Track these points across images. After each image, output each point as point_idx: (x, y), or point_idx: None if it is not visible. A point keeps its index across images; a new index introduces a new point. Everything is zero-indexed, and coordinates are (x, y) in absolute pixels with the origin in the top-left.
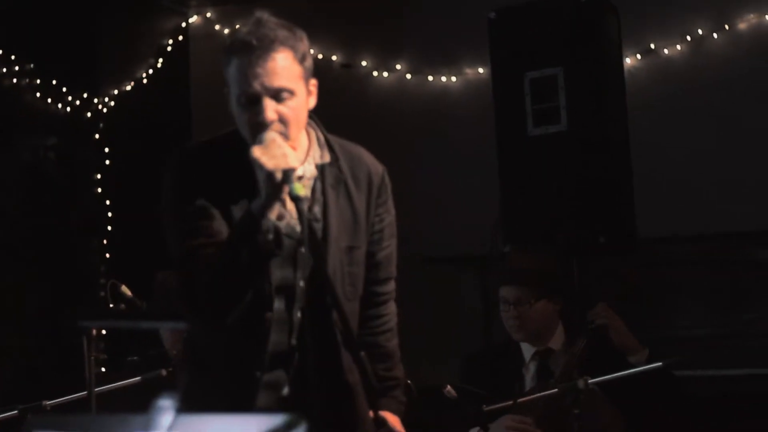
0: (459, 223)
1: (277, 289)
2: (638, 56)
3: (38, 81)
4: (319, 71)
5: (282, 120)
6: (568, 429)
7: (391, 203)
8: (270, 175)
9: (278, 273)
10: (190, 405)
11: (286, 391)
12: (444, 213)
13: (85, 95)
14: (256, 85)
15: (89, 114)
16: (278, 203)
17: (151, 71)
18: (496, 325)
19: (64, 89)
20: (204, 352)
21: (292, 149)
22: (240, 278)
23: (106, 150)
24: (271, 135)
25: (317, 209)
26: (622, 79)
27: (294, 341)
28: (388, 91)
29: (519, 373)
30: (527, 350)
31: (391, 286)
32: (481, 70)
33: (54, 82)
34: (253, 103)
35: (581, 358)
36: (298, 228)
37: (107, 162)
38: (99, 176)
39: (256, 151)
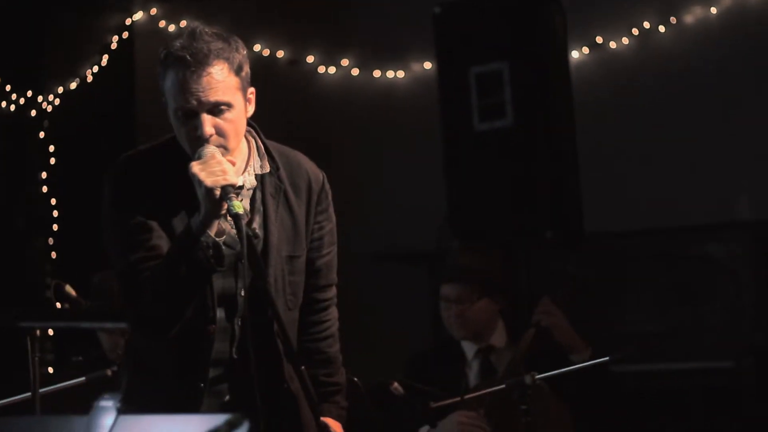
0: (407, 219)
1: (219, 298)
2: (585, 50)
3: None
4: (266, 67)
5: (220, 133)
6: (515, 424)
7: (331, 210)
8: (209, 191)
9: (220, 283)
10: (132, 407)
11: (228, 398)
12: (392, 210)
13: (29, 93)
14: (193, 101)
15: (34, 112)
16: (218, 219)
17: (96, 69)
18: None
19: (8, 88)
20: (147, 359)
21: (231, 164)
22: (181, 293)
23: (51, 149)
24: (210, 150)
25: (257, 219)
26: (568, 73)
27: (235, 350)
28: (334, 87)
29: (462, 371)
30: (469, 348)
31: (332, 292)
32: (427, 65)
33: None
34: (191, 118)
35: (526, 354)
36: (237, 239)
37: (52, 161)
38: (44, 175)
39: (195, 167)
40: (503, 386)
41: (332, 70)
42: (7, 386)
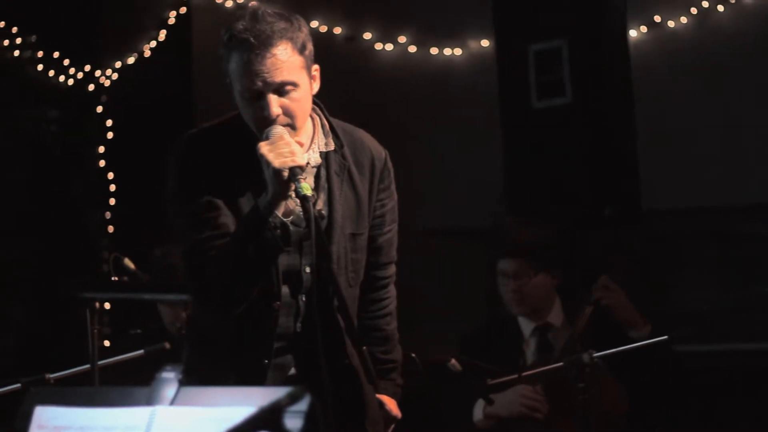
0: (463, 196)
1: (283, 275)
2: (643, 29)
3: (40, 53)
4: (322, 44)
5: (287, 113)
6: (572, 403)
7: (393, 188)
8: (277, 172)
9: (284, 260)
10: (194, 380)
11: (292, 371)
12: (448, 186)
13: (87, 68)
14: (258, 82)
15: (92, 87)
16: (285, 200)
17: (153, 44)
18: (500, 300)
19: (67, 62)
20: (210, 334)
21: (299, 145)
22: (248, 272)
23: (109, 123)
24: (278, 130)
25: (322, 197)
26: (627, 51)
27: (299, 326)
28: (391, 64)
29: (519, 348)
30: (526, 325)
31: (392, 270)
32: (485, 43)
33: (56, 54)
34: (257, 99)
35: (584, 332)
36: (303, 218)
37: (110, 135)
38: (101, 149)
39: (263, 148)
40: (561, 364)
41: (389, 47)
42: (65, 358)
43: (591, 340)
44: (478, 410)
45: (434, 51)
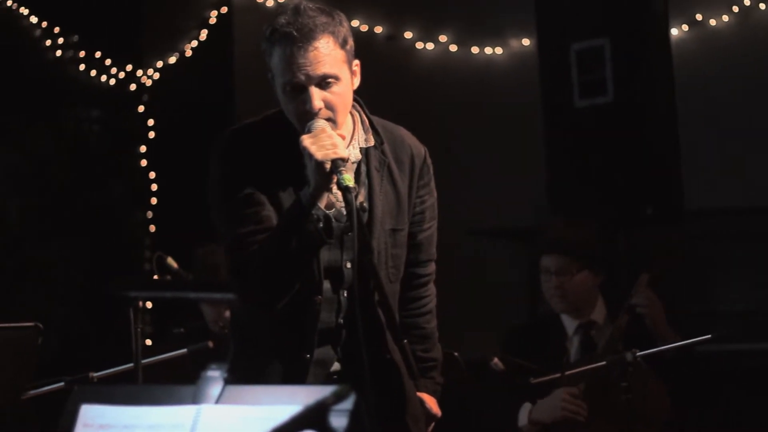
0: (503, 195)
1: (325, 271)
2: (685, 27)
3: (83, 53)
4: (363, 43)
5: (329, 106)
6: (615, 402)
7: (433, 185)
8: (319, 165)
9: (326, 255)
10: (238, 378)
11: (335, 367)
12: (488, 185)
13: (129, 68)
14: (301, 75)
15: (133, 86)
16: (328, 193)
17: (195, 44)
18: (543, 298)
19: (109, 61)
20: (253, 330)
21: (341, 138)
22: (291, 266)
23: (150, 122)
24: (320, 123)
25: (363, 192)
26: (669, 50)
27: (341, 321)
28: (432, 63)
29: (563, 346)
30: (569, 323)
31: (431, 267)
32: (525, 42)
33: (98, 54)
34: (299, 93)
35: (622, 332)
36: (345, 212)
37: (151, 134)
38: (143, 148)
39: (306, 141)
40: (604, 363)
41: (430, 46)
42: (108, 358)
43: (629, 341)
44: (524, 415)
45: (475, 50)
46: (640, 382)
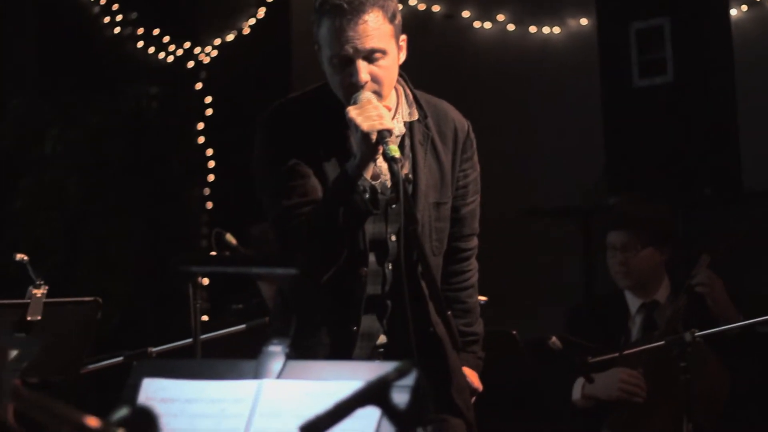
0: (561, 174)
1: (370, 243)
2: (743, 8)
3: (141, 31)
4: (421, 22)
5: (375, 80)
6: (674, 382)
7: (476, 159)
8: (365, 136)
9: (371, 228)
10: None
11: (381, 340)
12: (547, 165)
13: (187, 45)
14: (349, 48)
15: (191, 63)
16: (374, 164)
17: (252, 21)
18: (599, 278)
19: (167, 39)
20: (299, 304)
21: (386, 109)
22: (336, 237)
23: (208, 100)
24: (367, 95)
25: (407, 166)
26: (729, 29)
27: (387, 293)
28: (489, 43)
29: (625, 325)
30: (633, 302)
31: (474, 242)
32: (584, 21)
33: (156, 31)
34: (346, 65)
35: (682, 312)
36: (389, 185)
37: (209, 112)
38: (200, 125)
39: (352, 112)
40: (662, 343)
41: (488, 25)
42: (167, 333)
43: (689, 321)
44: (577, 389)
45: (533, 29)
46: (699, 363)
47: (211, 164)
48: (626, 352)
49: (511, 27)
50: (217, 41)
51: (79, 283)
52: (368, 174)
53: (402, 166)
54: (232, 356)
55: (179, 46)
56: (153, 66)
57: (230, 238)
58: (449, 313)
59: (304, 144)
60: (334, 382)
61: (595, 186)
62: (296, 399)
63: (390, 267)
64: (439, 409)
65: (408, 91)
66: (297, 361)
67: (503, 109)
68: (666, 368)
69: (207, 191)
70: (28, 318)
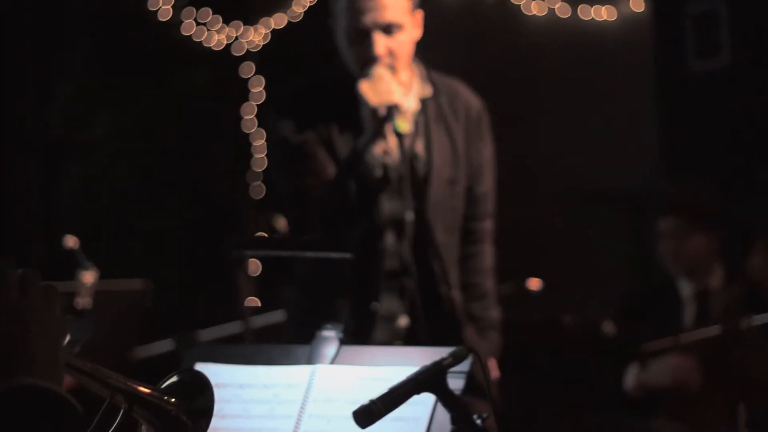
0: (614, 159)
1: (386, 221)
2: None
3: (191, 16)
4: (472, 6)
5: (391, 54)
6: (728, 370)
7: (489, 138)
8: (374, 110)
9: (387, 206)
10: (302, 332)
11: (403, 322)
12: (600, 149)
13: (237, 31)
14: (366, 20)
15: (242, 50)
16: (383, 139)
17: (303, 8)
18: (651, 264)
19: (217, 26)
20: (317, 283)
21: (398, 85)
22: (350, 212)
23: (257, 89)
24: (380, 71)
25: (421, 142)
26: None
27: (404, 270)
28: (542, 27)
29: (677, 312)
30: (685, 288)
31: (488, 224)
32: (638, 7)
33: (207, 17)
34: (362, 38)
35: (738, 299)
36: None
37: (259, 98)
38: (252, 112)
39: (363, 86)
40: (718, 330)
41: (540, 11)
42: (216, 318)
43: (747, 309)
44: (631, 377)
45: (586, 15)
46: (755, 351)
47: (262, 151)
48: (681, 339)
49: (563, 12)
50: (269, 26)
51: (128, 268)
52: (379, 150)
53: (414, 143)
54: (281, 342)
55: (229, 32)
56: (203, 51)
57: (280, 222)
58: (451, 291)
59: (316, 125)
60: (388, 367)
61: (650, 171)
62: (350, 384)
63: (407, 244)
64: None
65: (422, 68)
66: (350, 346)
67: (556, 94)
68: (720, 356)
69: (257, 176)
70: (78, 303)
